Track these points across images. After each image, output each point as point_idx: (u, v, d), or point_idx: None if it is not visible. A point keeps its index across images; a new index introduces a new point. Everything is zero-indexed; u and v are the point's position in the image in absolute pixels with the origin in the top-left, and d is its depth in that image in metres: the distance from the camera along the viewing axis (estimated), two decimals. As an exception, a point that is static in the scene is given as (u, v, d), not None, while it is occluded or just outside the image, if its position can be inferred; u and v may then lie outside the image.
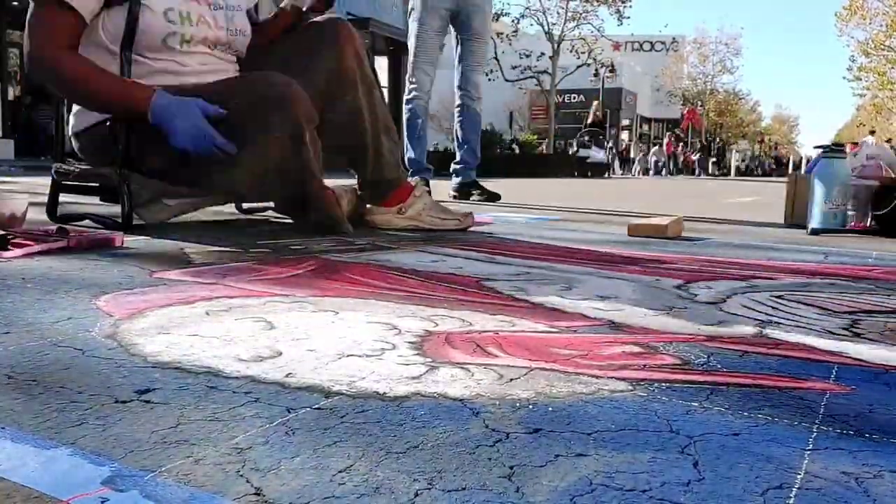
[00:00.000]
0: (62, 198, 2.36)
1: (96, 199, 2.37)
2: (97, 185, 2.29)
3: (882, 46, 24.39)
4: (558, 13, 21.87)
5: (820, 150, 3.28)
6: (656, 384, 0.84)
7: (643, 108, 34.38)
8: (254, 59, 2.42)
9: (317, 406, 0.73)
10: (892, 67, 24.65)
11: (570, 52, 22.30)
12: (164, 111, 2.01)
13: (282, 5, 2.51)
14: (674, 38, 36.35)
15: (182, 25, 2.17)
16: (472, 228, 2.60)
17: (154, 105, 2.01)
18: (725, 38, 37.63)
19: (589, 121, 17.28)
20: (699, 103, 35.44)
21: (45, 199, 2.36)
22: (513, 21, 22.43)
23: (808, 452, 0.66)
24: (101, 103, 2.12)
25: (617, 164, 24.19)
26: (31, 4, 2.07)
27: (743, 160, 38.85)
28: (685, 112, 33.33)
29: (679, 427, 0.71)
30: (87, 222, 2.23)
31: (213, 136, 1.99)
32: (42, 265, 1.50)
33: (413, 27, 4.40)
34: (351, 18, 16.77)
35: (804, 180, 3.42)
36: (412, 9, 4.40)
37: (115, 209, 2.22)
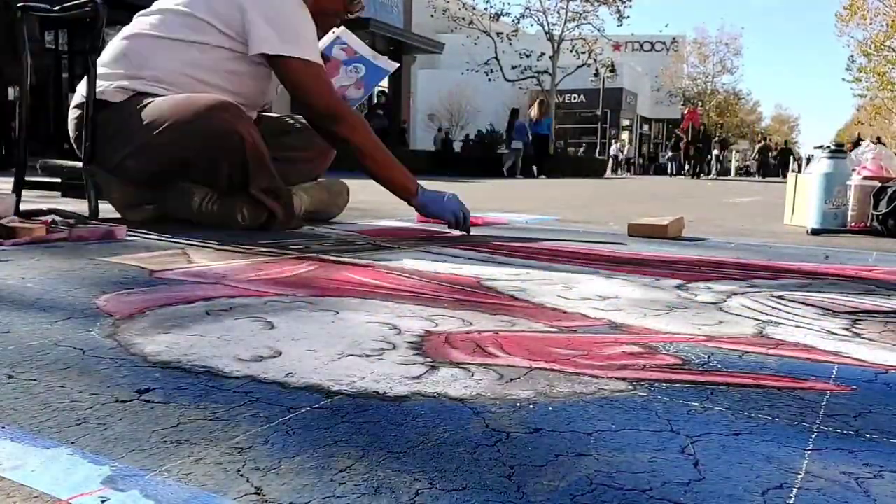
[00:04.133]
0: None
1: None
2: (61, 181, 2.35)
3: (882, 47, 24.37)
4: (558, 13, 21.86)
5: (820, 151, 3.28)
6: (656, 384, 0.84)
7: (643, 109, 34.34)
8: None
9: (317, 406, 0.73)
10: (893, 68, 24.63)
11: (571, 52, 22.27)
12: (430, 204, 2.46)
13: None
14: (674, 39, 36.28)
15: None
16: (473, 229, 2.60)
17: (421, 199, 2.45)
18: (725, 38, 37.61)
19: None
20: (699, 103, 35.41)
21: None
22: (513, 21, 22.43)
23: (809, 452, 0.66)
24: (382, 174, 2.44)
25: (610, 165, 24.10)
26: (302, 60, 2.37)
27: (744, 160, 38.79)
28: (685, 112, 33.31)
29: (679, 427, 0.71)
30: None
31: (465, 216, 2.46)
32: (42, 265, 1.50)
33: None
34: (351, 18, 16.77)
35: (804, 180, 3.42)
36: None
37: (80, 204, 2.27)
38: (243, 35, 2.34)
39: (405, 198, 2.45)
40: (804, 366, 0.95)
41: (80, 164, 2.31)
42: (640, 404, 0.77)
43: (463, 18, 20.90)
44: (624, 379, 0.86)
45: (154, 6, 2.46)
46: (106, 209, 2.39)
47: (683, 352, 0.99)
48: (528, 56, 21.48)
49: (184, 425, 0.67)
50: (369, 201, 3.47)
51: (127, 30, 2.44)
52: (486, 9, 21.66)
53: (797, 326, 1.18)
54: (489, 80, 21.73)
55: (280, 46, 2.34)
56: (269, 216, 2.33)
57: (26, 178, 2.41)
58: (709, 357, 0.97)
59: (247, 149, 2.24)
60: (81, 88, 2.38)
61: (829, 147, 3.20)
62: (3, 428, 0.65)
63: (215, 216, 2.32)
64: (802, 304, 1.38)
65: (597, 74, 24.43)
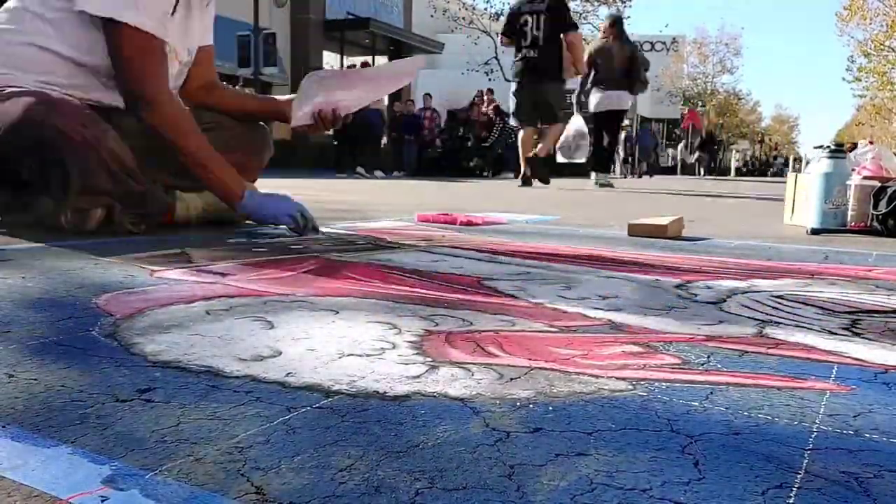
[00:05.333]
0: None
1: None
2: None
3: (882, 47, 24.37)
4: (558, 13, 21.84)
5: (819, 151, 3.28)
6: (656, 384, 0.84)
7: (643, 109, 34.33)
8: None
9: (317, 405, 0.73)
10: (893, 68, 24.63)
11: (570, 51, 22.26)
12: (260, 209, 2.19)
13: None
14: (674, 38, 36.27)
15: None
16: (472, 229, 2.60)
17: (248, 202, 2.17)
18: (725, 38, 37.64)
19: None
20: (699, 103, 35.42)
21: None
22: (513, 21, 22.42)
23: (808, 452, 0.66)
24: (198, 173, 2.13)
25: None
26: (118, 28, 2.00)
27: (744, 160, 38.83)
28: (685, 112, 33.29)
29: (679, 427, 0.71)
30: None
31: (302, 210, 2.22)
32: (42, 265, 1.50)
33: None
34: (351, 18, 16.78)
35: (804, 180, 3.42)
36: None
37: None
38: None
39: (228, 202, 2.17)
40: (804, 365, 0.95)
41: None
42: (640, 404, 0.77)
43: (463, 18, 20.88)
44: (624, 378, 0.86)
45: None
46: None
47: (683, 351, 0.99)
48: (528, 56, 21.45)
49: (184, 425, 0.67)
50: (368, 202, 3.47)
51: None
52: (486, 9, 21.64)
53: (797, 326, 1.18)
54: (489, 80, 21.71)
55: (107, 5, 1.98)
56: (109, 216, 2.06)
57: None
58: (709, 357, 0.97)
59: (66, 143, 1.92)
60: None
61: (828, 147, 3.20)
62: (4, 427, 0.65)
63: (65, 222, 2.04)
64: (802, 304, 1.38)
65: (597, 74, 24.40)
